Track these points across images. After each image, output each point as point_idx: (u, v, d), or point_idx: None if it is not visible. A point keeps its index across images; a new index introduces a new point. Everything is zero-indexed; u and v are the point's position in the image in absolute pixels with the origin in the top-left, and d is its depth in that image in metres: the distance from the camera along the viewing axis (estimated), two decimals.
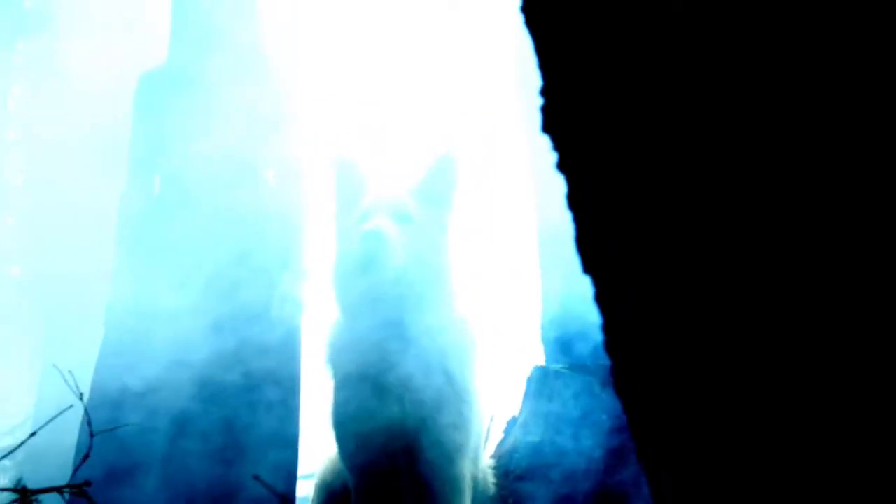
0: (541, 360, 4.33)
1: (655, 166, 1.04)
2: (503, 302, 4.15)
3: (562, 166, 1.12)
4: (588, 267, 1.15)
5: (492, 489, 3.62)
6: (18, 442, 6.65)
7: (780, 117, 0.97)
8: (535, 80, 3.72)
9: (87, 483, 1.90)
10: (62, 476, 2.58)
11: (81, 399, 2.32)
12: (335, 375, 3.20)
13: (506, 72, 4.72)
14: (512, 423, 4.05)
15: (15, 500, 1.84)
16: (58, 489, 1.88)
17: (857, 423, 0.91)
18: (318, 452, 3.47)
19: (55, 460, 3.18)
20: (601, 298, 1.14)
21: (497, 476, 3.73)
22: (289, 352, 3.37)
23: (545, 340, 4.40)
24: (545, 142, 3.64)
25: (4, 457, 1.92)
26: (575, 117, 1.12)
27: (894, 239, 0.85)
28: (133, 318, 3.27)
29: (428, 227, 3.12)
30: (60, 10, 9.13)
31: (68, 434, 2.74)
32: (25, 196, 12.36)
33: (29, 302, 11.61)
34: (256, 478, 2.63)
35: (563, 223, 3.77)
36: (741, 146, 0.99)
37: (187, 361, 3.11)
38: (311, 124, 3.59)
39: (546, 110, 1.12)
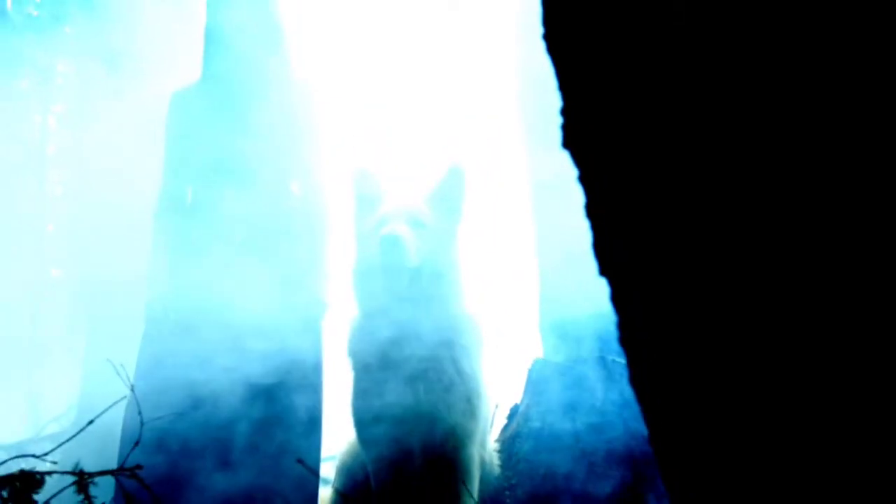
0: (540, 353, 4.32)
1: (657, 182, 1.05)
2: (506, 301, 4.15)
3: (581, 179, 1.13)
4: (603, 270, 1.16)
5: (497, 471, 3.63)
6: (62, 428, 6.65)
7: (778, 145, 0.97)
8: (531, 94, 3.72)
9: (139, 467, 1.91)
10: (102, 462, 2.58)
11: (132, 390, 2.32)
12: (355, 367, 3.21)
13: (506, 89, 4.73)
14: (514, 410, 4.05)
15: (72, 483, 1.85)
16: (112, 472, 1.88)
17: (854, 422, 0.91)
18: (338, 437, 3.48)
19: (94, 447, 3.16)
20: (615, 298, 1.15)
21: (501, 459, 3.74)
22: (312, 345, 3.37)
23: (543, 336, 4.41)
24: (543, 155, 3.65)
25: (67, 441, 1.92)
26: (590, 136, 1.13)
27: None
28: (172, 314, 3.27)
29: (439, 232, 3.13)
30: (97, 36, 9.10)
31: (104, 423, 2.73)
32: (64, 205, 12.40)
33: (68, 299, 11.64)
34: (300, 461, 2.63)
35: (559, 230, 3.77)
36: (733, 163, 1.00)
37: (220, 353, 3.11)
38: (332, 138, 3.58)
39: (565, 128, 1.13)
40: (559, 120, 1.14)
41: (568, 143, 1.13)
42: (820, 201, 0.91)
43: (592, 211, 1.13)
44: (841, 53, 0.92)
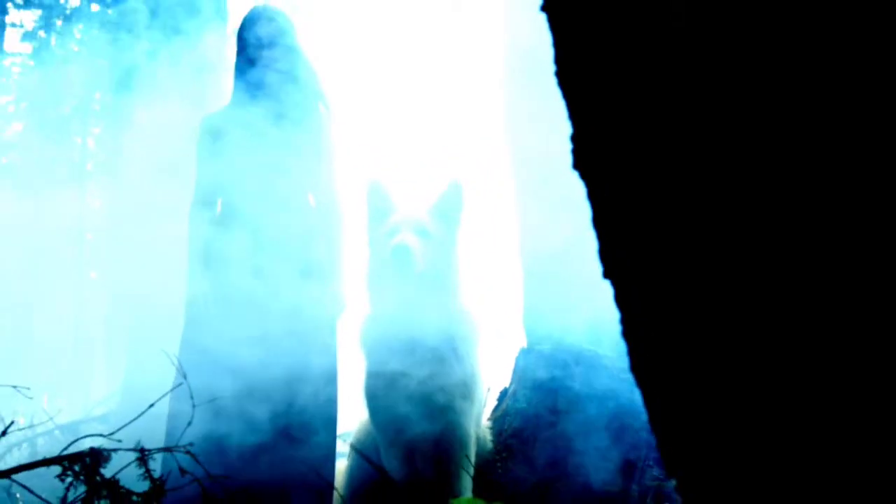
0: (525, 343, 4.34)
1: (653, 200, 1.07)
2: (496, 298, 4.17)
3: (589, 196, 1.15)
4: (607, 273, 1.18)
5: (489, 445, 3.64)
6: (108, 410, 6.61)
7: (777, 166, 0.97)
8: (518, 117, 3.72)
9: (191, 444, 1.91)
10: (150, 441, 2.58)
11: (185, 378, 2.31)
12: (367, 356, 3.22)
13: (495, 114, 4.76)
14: (503, 393, 4.07)
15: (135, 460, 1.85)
16: (169, 449, 1.88)
17: (849, 410, 0.92)
18: (352, 417, 3.49)
19: (137, 428, 3.17)
20: (617, 298, 1.17)
21: (493, 435, 3.76)
22: (330, 338, 3.39)
23: (527, 328, 4.43)
24: (525, 171, 3.65)
25: (132, 421, 1.92)
26: (596, 159, 1.14)
27: None
28: (210, 311, 3.27)
29: (441, 239, 3.15)
30: (129, 68, 9.06)
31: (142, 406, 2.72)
32: (101, 216, 12.35)
33: (106, 298, 11.62)
34: (354, 447, 2.62)
35: (542, 241, 3.79)
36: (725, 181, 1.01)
37: (252, 344, 3.13)
38: (347, 156, 3.59)
39: (575, 152, 1.15)
40: (569, 145, 1.16)
41: (577, 165, 1.15)
42: (811, 203, 0.92)
43: (599, 223, 1.15)
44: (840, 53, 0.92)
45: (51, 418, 3.13)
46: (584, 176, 1.14)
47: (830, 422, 0.90)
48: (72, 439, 5.57)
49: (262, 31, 3.49)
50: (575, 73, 1.13)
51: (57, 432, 5.43)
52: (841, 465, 0.89)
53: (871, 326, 0.86)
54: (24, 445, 5.25)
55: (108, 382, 9.29)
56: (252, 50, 3.50)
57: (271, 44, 3.49)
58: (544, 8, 1.16)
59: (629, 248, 1.11)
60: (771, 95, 0.94)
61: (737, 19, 0.95)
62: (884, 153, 0.85)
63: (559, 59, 1.15)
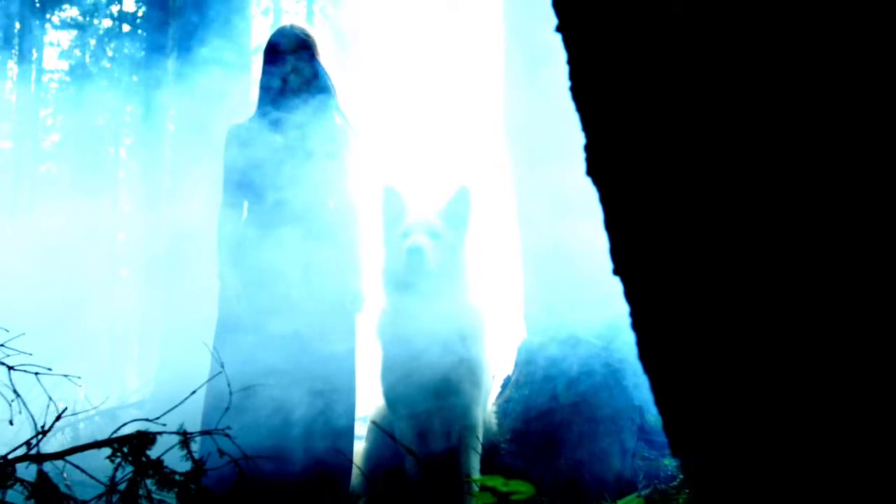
0: (525, 335, 4.35)
1: (659, 204, 1.08)
2: (501, 294, 4.18)
3: (601, 200, 1.16)
4: (617, 270, 1.18)
5: (495, 428, 3.65)
6: (143, 397, 6.62)
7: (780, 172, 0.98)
8: (520, 127, 3.72)
9: (229, 427, 1.91)
10: (187, 425, 2.59)
11: (222, 367, 2.32)
12: (383, 347, 3.24)
13: (496, 129, 4.77)
14: (507, 381, 4.08)
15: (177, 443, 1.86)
16: (209, 432, 1.89)
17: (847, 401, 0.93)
18: (370, 401, 3.50)
19: (173, 413, 3.19)
20: (627, 293, 1.18)
21: (497, 418, 3.77)
22: (350, 329, 3.40)
23: (528, 321, 4.43)
24: (526, 177, 3.65)
25: (176, 406, 1.92)
26: (608, 166, 1.15)
27: None
28: (241, 304, 3.29)
29: (451, 240, 3.16)
30: (157, 83, 9.07)
31: (184, 392, 2.73)
32: (132, 219, 12.39)
33: (136, 293, 11.67)
34: (380, 427, 2.63)
35: (542, 243, 3.79)
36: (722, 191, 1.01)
37: (281, 334, 3.14)
38: (364, 162, 3.61)
39: (588, 160, 1.16)
40: (583, 154, 1.17)
41: (590, 171, 1.15)
42: (807, 202, 0.93)
43: (610, 225, 1.16)
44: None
45: (95, 407, 3.12)
46: (596, 182, 1.15)
47: (821, 414, 0.91)
48: (110, 424, 5.61)
49: (288, 47, 3.51)
50: (588, 90, 1.13)
51: (97, 418, 5.45)
52: (834, 462, 0.90)
53: (861, 321, 0.87)
54: (67, 430, 5.28)
55: (140, 373, 9.33)
56: (277, 64, 3.51)
57: (296, 59, 3.50)
58: (559, 29, 1.17)
59: (638, 248, 1.12)
60: (771, 124, 0.94)
61: (742, 46, 0.96)
62: (885, 152, 0.85)
63: (573, 76, 1.16)
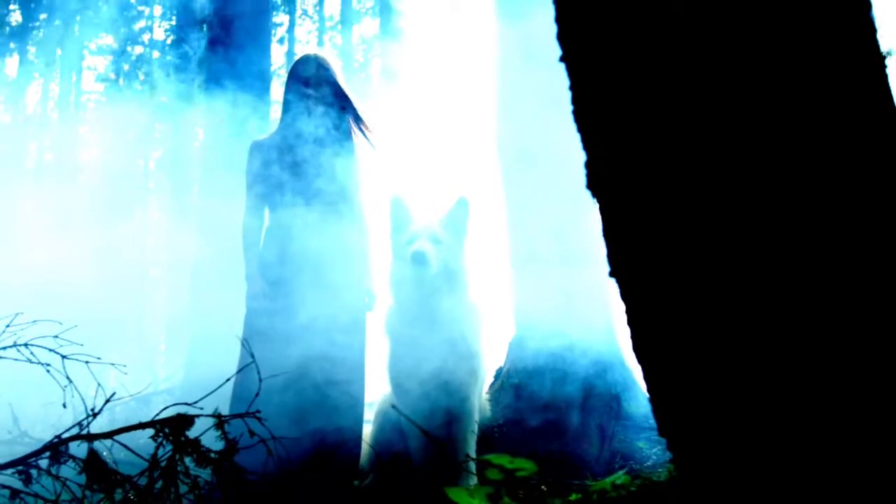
0: (515, 330, 4.36)
1: (650, 217, 1.09)
2: (494, 293, 4.19)
3: (600, 211, 1.17)
4: (613, 273, 1.19)
5: (489, 414, 3.66)
6: (173, 385, 6.59)
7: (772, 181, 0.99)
8: (510, 143, 3.72)
9: (258, 411, 1.92)
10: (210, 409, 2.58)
11: (252, 357, 2.31)
12: (390, 340, 3.24)
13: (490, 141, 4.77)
14: (499, 371, 4.09)
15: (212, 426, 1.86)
16: (241, 415, 1.89)
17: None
18: (376, 389, 3.51)
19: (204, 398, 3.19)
20: (623, 293, 1.19)
21: (491, 405, 3.78)
22: (361, 325, 3.42)
23: (518, 317, 4.44)
24: (515, 189, 3.64)
25: (215, 391, 1.92)
26: (605, 181, 1.16)
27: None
28: (267, 301, 3.30)
29: (451, 246, 3.17)
30: (183, 100, 9.05)
31: (214, 379, 2.72)
32: (161, 225, 12.39)
33: (164, 291, 11.67)
34: (406, 416, 2.63)
35: (526, 241, 3.79)
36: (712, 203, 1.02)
37: (302, 328, 3.15)
38: (373, 175, 3.62)
39: (589, 176, 1.17)
40: (584, 170, 1.18)
41: (590, 185, 1.17)
42: (793, 204, 0.94)
43: (608, 233, 1.17)
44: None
45: (136, 392, 3.12)
46: (595, 195, 1.16)
47: (786, 395, 0.92)
48: (143, 408, 5.60)
49: (310, 71, 3.53)
50: (590, 117, 1.15)
51: (132, 403, 5.43)
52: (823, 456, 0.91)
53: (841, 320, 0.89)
54: (105, 413, 5.25)
55: (167, 364, 9.32)
56: (301, 86, 3.54)
57: (317, 82, 3.53)
58: (563, 60, 1.18)
59: (632, 254, 1.13)
60: (760, 156, 0.96)
61: (728, 95, 0.98)
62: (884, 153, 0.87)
63: (576, 103, 1.17)
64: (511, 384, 3.89)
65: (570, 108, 1.20)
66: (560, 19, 1.15)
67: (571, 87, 1.19)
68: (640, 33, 1.08)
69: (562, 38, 1.17)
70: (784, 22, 0.96)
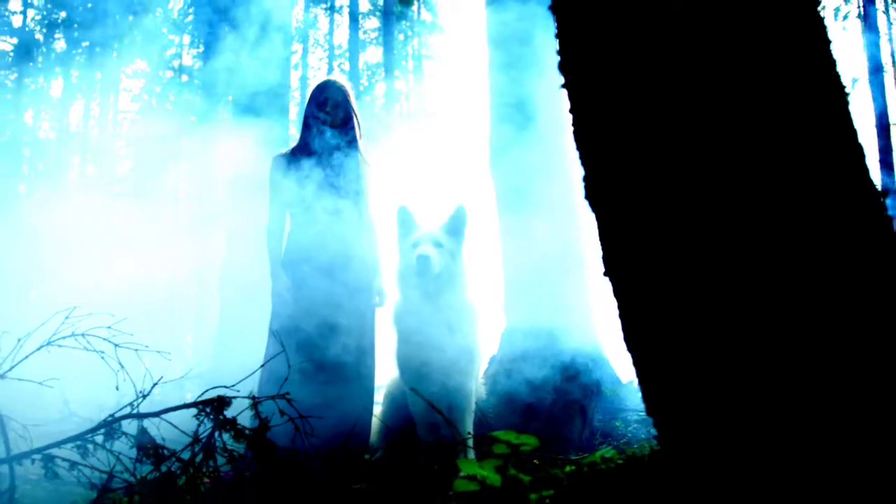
0: (507, 322, 4.38)
1: (640, 225, 1.11)
2: (489, 291, 4.21)
3: (597, 218, 1.18)
4: (606, 273, 1.21)
5: (484, 397, 3.66)
6: (202, 371, 6.56)
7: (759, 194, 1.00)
8: (505, 159, 3.73)
9: (287, 393, 1.92)
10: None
11: (283, 347, 2.31)
12: (399, 333, 3.24)
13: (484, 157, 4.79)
14: (493, 359, 4.10)
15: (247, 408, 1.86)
16: (273, 397, 1.89)
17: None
18: (386, 374, 3.51)
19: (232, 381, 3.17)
20: (615, 291, 1.20)
21: (486, 388, 3.79)
22: (372, 319, 3.42)
23: (508, 312, 4.46)
24: (507, 195, 3.65)
25: (249, 375, 1.92)
26: (601, 193, 1.18)
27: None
28: (290, 297, 3.30)
29: (451, 249, 3.17)
30: (208, 118, 9.01)
31: (243, 365, 2.70)
32: (190, 230, 12.35)
33: (193, 289, 11.66)
34: (421, 396, 2.62)
35: (517, 248, 3.79)
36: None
37: (321, 323, 3.15)
38: (382, 187, 3.64)
39: (587, 188, 1.19)
40: (582, 183, 1.19)
41: (588, 196, 1.18)
42: (775, 208, 0.95)
43: (604, 237, 1.18)
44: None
45: (181, 377, 3.13)
46: (593, 205, 1.18)
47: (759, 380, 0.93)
48: (178, 391, 5.56)
49: (328, 94, 3.57)
50: (589, 138, 1.17)
51: (167, 387, 5.38)
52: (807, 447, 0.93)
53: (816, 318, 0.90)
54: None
55: (195, 354, 9.29)
56: (319, 106, 3.57)
57: (333, 103, 3.56)
58: (564, 86, 1.20)
59: (626, 256, 1.14)
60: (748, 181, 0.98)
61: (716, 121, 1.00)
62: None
63: (576, 124, 1.19)
64: (503, 370, 3.91)
65: (571, 129, 1.21)
66: (562, 52, 1.17)
67: (572, 111, 1.20)
68: (629, 76, 1.10)
69: (564, 69, 1.19)
70: (747, 71, 0.98)
